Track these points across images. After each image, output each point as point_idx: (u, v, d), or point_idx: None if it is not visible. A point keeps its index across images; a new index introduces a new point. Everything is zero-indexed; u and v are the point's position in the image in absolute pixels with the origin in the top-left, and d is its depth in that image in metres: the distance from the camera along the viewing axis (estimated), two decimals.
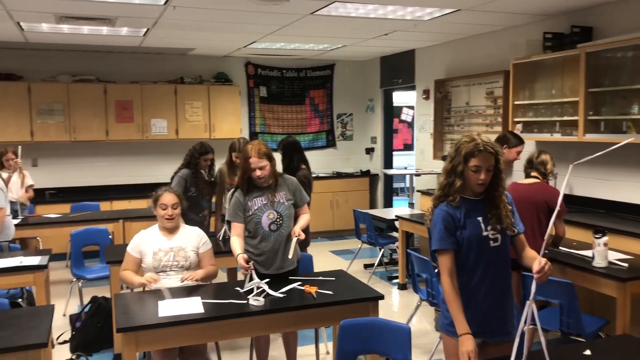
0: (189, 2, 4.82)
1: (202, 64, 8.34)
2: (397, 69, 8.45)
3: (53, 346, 4.34)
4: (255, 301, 3.10)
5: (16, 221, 5.90)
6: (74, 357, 3.84)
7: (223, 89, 8.27)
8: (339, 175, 9.08)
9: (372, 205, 9.19)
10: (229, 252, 3.89)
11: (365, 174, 9.21)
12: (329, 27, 6.10)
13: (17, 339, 2.65)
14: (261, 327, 3.17)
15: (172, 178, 5.22)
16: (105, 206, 7.23)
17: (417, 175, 7.65)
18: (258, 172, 3.47)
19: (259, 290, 3.18)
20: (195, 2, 4.85)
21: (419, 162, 7.99)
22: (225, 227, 4.72)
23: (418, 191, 7.53)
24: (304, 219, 3.66)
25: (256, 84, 8.76)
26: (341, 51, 8.04)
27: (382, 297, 3.28)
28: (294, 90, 9.00)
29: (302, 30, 6.22)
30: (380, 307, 3.34)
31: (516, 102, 5.67)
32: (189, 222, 4.55)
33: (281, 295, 3.22)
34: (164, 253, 3.51)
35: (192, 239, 3.64)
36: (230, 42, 7.19)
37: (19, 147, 6.16)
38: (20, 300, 4.72)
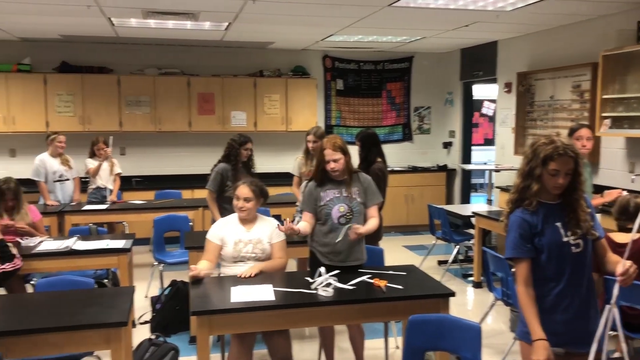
0: None
1: (280, 58, 8.47)
2: (478, 61, 8.20)
3: (135, 326, 4.58)
4: (324, 292, 3.13)
5: (104, 206, 6.29)
6: (153, 337, 4.03)
7: (300, 82, 8.36)
8: (414, 170, 8.96)
9: (449, 201, 9.00)
10: (299, 242, 3.95)
11: (442, 168, 9.04)
12: (408, 18, 6.01)
13: (100, 317, 2.82)
14: (330, 317, 3.20)
15: (211, 171, 5.34)
16: (186, 194, 7.52)
17: (497, 171, 7.42)
18: (332, 165, 3.50)
19: (327, 282, 3.20)
20: None
21: (499, 158, 7.73)
22: (296, 216, 4.79)
23: (497, 187, 7.30)
24: (370, 224, 3.60)
25: (333, 77, 8.79)
26: (420, 43, 7.91)
27: (453, 294, 3.22)
28: (370, 82, 8.96)
29: (380, 22, 6.17)
30: (454, 305, 3.28)
31: (605, 96, 5.36)
32: (227, 213, 4.65)
33: (350, 288, 3.23)
34: (244, 244, 3.60)
35: (267, 229, 3.70)
36: (308, 36, 7.26)
37: (111, 138, 6.53)
38: (105, 280, 5.02)
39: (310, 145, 5.15)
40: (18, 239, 4.38)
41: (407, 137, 9.25)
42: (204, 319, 2.94)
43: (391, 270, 3.60)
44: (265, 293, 3.13)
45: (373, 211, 3.67)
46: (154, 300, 4.86)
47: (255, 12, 5.49)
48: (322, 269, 3.28)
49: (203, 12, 5.57)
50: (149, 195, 7.24)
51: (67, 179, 6.45)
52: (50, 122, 7.51)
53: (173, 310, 4.66)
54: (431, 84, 9.22)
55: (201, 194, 7.63)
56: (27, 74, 7.46)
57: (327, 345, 3.82)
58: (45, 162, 6.30)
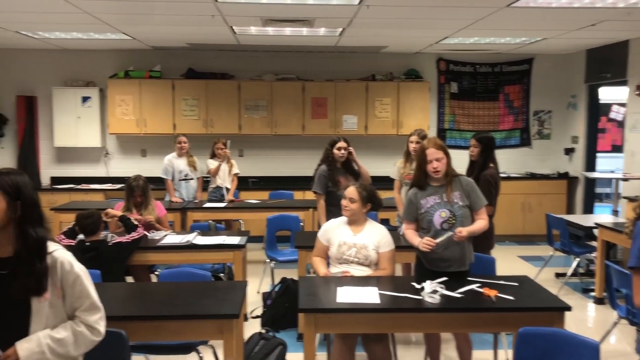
0: (383, 0, 4.93)
1: (393, 61, 8.46)
2: (606, 63, 7.65)
3: (247, 319, 4.79)
4: (431, 298, 3.09)
5: (222, 205, 6.65)
6: (263, 331, 4.21)
7: (412, 86, 8.29)
8: (532, 177, 8.54)
9: (569, 210, 8.47)
10: (405, 247, 3.91)
11: (563, 176, 8.53)
12: (528, 19, 5.76)
13: (214, 308, 2.99)
14: (435, 324, 3.15)
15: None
16: (298, 195, 7.74)
17: (625, 179, 6.87)
18: (435, 164, 3.44)
19: (434, 287, 3.16)
20: (389, 0, 4.94)
21: (628, 166, 7.16)
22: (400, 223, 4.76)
23: (625, 198, 6.76)
24: (477, 224, 3.51)
25: (447, 80, 8.62)
26: (541, 44, 7.53)
27: (568, 308, 3.04)
28: (487, 86, 8.68)
29: (498, 23, 5.96)
30: (572, 321, 3.11)
31: None
32: (332, 216, 4.67)
33: (458, 296, 3.16)
34: (348, 247, 3.65)
35: (375, 237, 3.69)
36: (422, 39, 7.19)
37: (229, 141, 6.90)
38: (222, 274, 5.31)
39: (412, 146, 5.09)
40: (145, 232, 4.75)
41: (525, 142, 8.84)
42: (311, 317, 3.02)
43: (502, 280, 3.47)
44: (370, 296, 3.15)
45: (481, 213, 3.56)
46: (265, 296, 5.07)
47: (369, 17, 5.54)
48: (428, 283, 3.21)
49: (318, 18, 5.71)
50: (264, 195, 7.55)
51: (192, 179, 6.90)
52: (177, 124, 8.06)
53: (283, 307, 4.83)
54: (552, 87, 8.74)
55: (312, 195, 7.81)
56: (157, 80, 8.08)
57: (432, 352, 3.76)
58: (173, 162, 6.79)
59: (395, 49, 8.03)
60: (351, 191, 3.71)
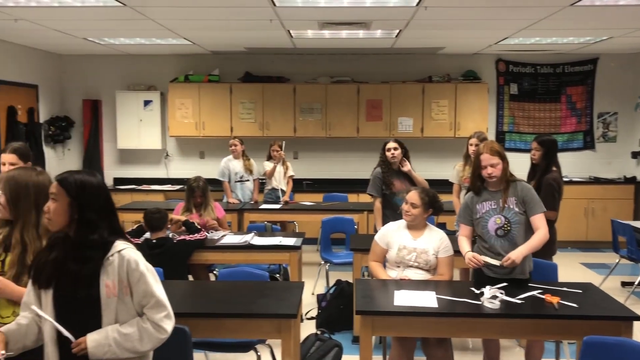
0: (441, 1, 4.88)
1: (450, 63, 8.35)
2: None
3: (302, 320, 4.83)
4: (490, 303, 3.03)
5: (277, 206, 6.73)
6: (318, 332, 4.23)
7: (470, 87, 8.15)
8: (596, 181, 8.22)
9: (637, 216, 8.10)
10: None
11: (630, 180, 8.17)
12: (593, 18, 5.56)
13: (272, 308, 3.03)
14: (495, 330, 3.09)
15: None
16: (352, 198, 7.74)
17: None
18: (489, 170, 3.36)
19: (494, 293, 3.09)
20: (447, 2, 4.89)
21: None
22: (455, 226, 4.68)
23: None
24: (533, 240, 3.33)
25: (506, 81, 8.42)
26: (606, 44, 7.25)
27: (638, 317, 2.91)
28: (548, 87, 8.42)
29: (561, 23, 5.78)
30: None
31: None
32: (387, 220, 4.63)
33: (519, 302, 3.09)
34: (408, 251, 3.62)
35: (434, 242, 3.65)
36: (481, 40, 7.05)
37: (283, 142, 6.98)
38: (277, 275, 5.37)
39: (472, 149, 5.00)
40: (205, 233, 4.86)
41: (588, 145, 8.53)
42: (368, 319, 3.01)
43: (565, 287, 3.36)
44: (428, 299, 3.12)
45: (538, 221, 3.38)
46: (320, 298, 5.09)
47: (426, 18, 5.48)
48: (487, 288, 3.15)
49: (375, 21, 5.70)
50: (318, 197, 7.59)
51: (247, 180, 7.02)
52: (234, 127, 8.22)
53: (337, 309, 4.85)
54: (619, 88, 8.40)
55: (366, 198, 7.77)
56: (216, 84, 8.26)
57: (491, 357, 3.68)
58: (229, 165, 6.93)
59: (453, 50, 7.91)
60: (413, 196, 3.67)
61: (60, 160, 8.44)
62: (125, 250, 2.08)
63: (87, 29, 6.31)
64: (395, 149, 5.09)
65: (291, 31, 6.38)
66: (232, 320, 2.98)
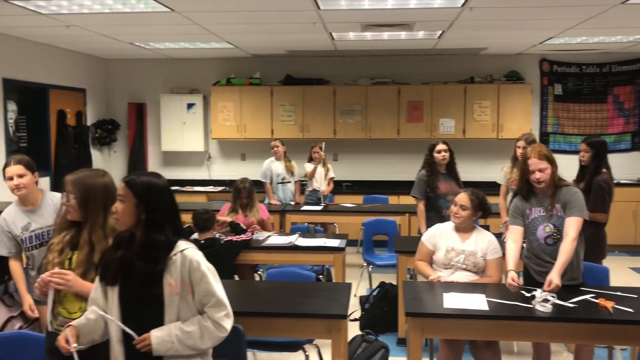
0: (487, 2, 4.83)
1: (493, 63, 8.25)
2: None
3: None
4: (542, 307, 2.99)
5: (319, 208, 6.77)
6: (364, 333, 4.24)
7: (513, 88, 8.03)
8: None
9: None
10: None
11: None
12: None
13: (322, 308, 3.06)
14: (547, 334, 3.04)
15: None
16: (392, 200, 7.72)
17: None
18: (537, 175, 3.30)
19: (546, 296, 3.05)
20: (493, 2, 4.84)
21: None
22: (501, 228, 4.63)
23: None
24: (563, 253, 3.17)
25: (550, 82, 8.27)
26: None
27: None
28: (594, 87, 8.23)
29: (609, 22, 5.66)
30: None
31: None
32: (430, 222, 4.61)
33: (571, 305, 3.04)
34: (456, 253, 3.59)
35: (483, 244, 3.61)
36: (524, 40, 6.95)
37: (324, 144, 7.02)
38: (320, 276, 5.40)
39: (519, 151, 4.94)
40: (251, 233, 4.92)
41: (636, 146, 8.29)
42: (417, 321, 3.01)
43: (619, 291, 3.29)
44: (478, 302, 3.10)
45: (570, 225, 3.23)
46: (363, 300, 5.10)
47: (471, 19, 5.44)
48: (539, 291, 3.10)
49: (419, 22, 5.69)
50: (358, 199, 7.60)
51: (289, 182, 7.08)
52: (274, 129, 8.30)
53: (382, 311, 4.85)
54: None
55: (407, 200, 7.77)
56: (257, 86, 8.36)
57: None
58: (271, 166, 7.00)
59: (496, 50, 7.82)
60: (463, 198, 3.63)
61: (107, 163, 8.68)
62: (187, 250, 2.14)
63: (134, 33, 6.48)
64: (445, 150, 5.09)
65: (333, 33, 6.41)
66: (284, 320, 3.02)
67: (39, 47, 7.08)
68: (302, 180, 7.32)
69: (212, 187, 8.52)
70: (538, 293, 3.06)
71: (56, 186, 7.43)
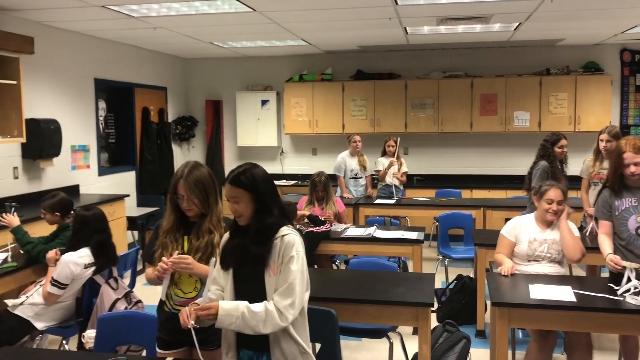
0: None
1: (570, 54, 8.04)
2: None
3: None
4: (633, 299, 2.97)
5: (392, 201, 6.84)
6: (444, 323, 4.27)
7: (591, 79, 7.80)
8: None
9: None
10: (589, 249, 3.76)
11: None
12: None
13: (409, 296, 3.17)
14: (638, 327, 3.02)
15: (529, 172, 5.25)
16: (465, 194, 7.68)
17: None
18: (632, 168, 3.27)
19: (636, 290, 3.03)
20: None
21: None
22: (592, 223, 4.55)
23: None
24: None
25: (632, 72, 7.98)
26: None
27: None
28: None
29: None
30: None
31: None
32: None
33: None
34: (539, 244, 3.61)
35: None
36: (605, 30, 6.75)
37: (398, 138, 7.07)
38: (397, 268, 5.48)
39: (602, 145, 4.84)
40: (330, 225, 5.07)
41: None
42: (504, 310, 3.06)
43: None
44: (565, 294, 3.11)
45: None
46: (439, 293, 5.15)
47: (550, 10, 5.36)
48: (631, 274, 3.09)
49: (496, 14, 5.65)
50: (429, 193, 7.60)
51: (361, 177, 7.17)
52: (345, 124, 8.43)
53: (459, 303, 4.89)
54: None
55: (480, 194, 7.75)
56: (328, 82, 8.50)
57: (628, 356, 3.58)
58: (345, 160, 7.11)
59: (573, 41, 7.62)
60: (557, 194, 3.58)
61: (186, 157, 9.08)
62: (287, 235, 2.24)
63: (215, 33, 6.76)
64: (566, 146, 5.22)
65: (407, 28, 6.46)
66: (373, 307, 3.14)
67: (126, 48, 7.51)
68: (374, 175, 7.40)
69: (284, 180, 8.75)
70: (632, 276, 3.04)
71: (140, 180, 7.87)
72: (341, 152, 7.19)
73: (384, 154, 7.14)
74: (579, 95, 7.78)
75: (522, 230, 3.70)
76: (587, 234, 4.65)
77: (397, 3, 5.08)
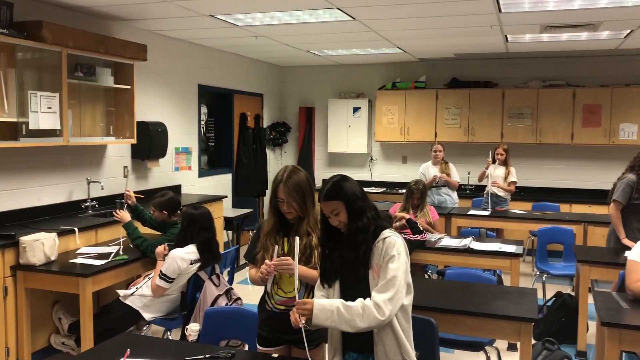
0: None
1: None
2: None
3: None
4: None
5: (486, 213, 6.65)
6: (544, 340, 4.12)
7: None
8: None
9: None
10: None
11: None
12: None
13: (512, 310, 3.08)
14: None
15: (615, 184, 4.94)
16: (564, 208, 7.35)
17: None
18: None
19: None
20: None
21: None
22: None
23: None
24: None
25: None
26: None
27: None
28: None
29: None
30: None
31: None
32: (629, 232, 4.33)
33: None
34: None
35: None
36: None
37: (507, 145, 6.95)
38: None
39: None
40: (426, 235, 5.02)
41: None
42: (615, 332, 2.92)
43: None
44: None
45: None
46: (538, 309, 4.96)
47: None
48: None
49: (605, 22, 5.39)
50: (526, 205, 7.34)
51: (443, 186, 6.97)
52: (438, 133, 8.33)
53: (558, 321, 4.71)
54: None
55: (580, 209, 7.39)
56: (421, 90, 8.44)
57: None
58: (427, 170, 6.99)
59: None
60: None
61: (278, 162, 9.33)
62: (389, 237, 2.26)
63: (313, 42, 6.91)
64: None
65: (508, 36, 6.30)
66: (473, 319, 3.08)
67: (227, 55, 7.84)
68: (462, 184, 7.17)
69: (373, 188, 8.76)
70: None
71: (236, 182, 8.16)
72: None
73: (494, 161, 6.96)
74: None
75: None
76: None
77: (500, 10, 4.97)
